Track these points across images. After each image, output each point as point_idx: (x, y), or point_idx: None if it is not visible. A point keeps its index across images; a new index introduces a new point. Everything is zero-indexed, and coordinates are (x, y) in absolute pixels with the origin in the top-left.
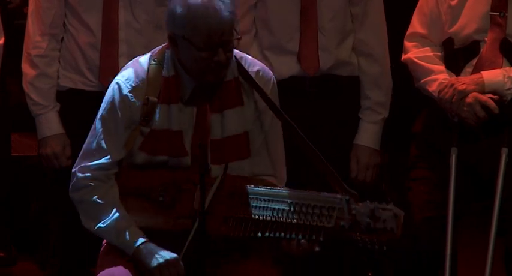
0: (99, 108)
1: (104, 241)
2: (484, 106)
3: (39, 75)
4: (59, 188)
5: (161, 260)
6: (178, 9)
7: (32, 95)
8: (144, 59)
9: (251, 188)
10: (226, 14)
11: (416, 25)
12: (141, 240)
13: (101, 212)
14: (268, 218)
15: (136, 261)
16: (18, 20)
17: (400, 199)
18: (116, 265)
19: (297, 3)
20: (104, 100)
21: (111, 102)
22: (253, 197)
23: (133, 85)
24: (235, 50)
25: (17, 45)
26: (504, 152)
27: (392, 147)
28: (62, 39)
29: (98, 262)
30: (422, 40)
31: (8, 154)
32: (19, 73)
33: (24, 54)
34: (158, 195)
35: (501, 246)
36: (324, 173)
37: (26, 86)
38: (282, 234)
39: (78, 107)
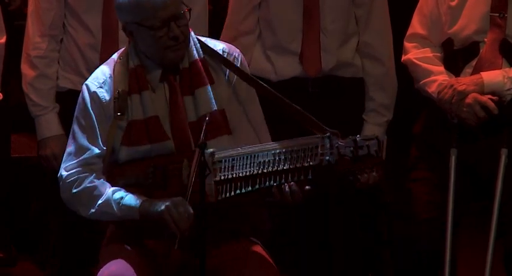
0: None
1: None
2: (484, 106)
3: (39, 76)
4: (58, 189)
5: (168, 203)
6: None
7: (31, 95)
8: (110, 60)
9: (235, 150)
10: None
11: (416, 26)
12: (142, 199)
13: (94, 193)
14: (255, 172)
15: (145, 218)
16: (18, 20)
17: (400, 200)
18: (115, 259)
19: (300, 4)
20: (77, 104)
21: (82, 102)
22: (238, 157)
23: (101, 81)
24: (198, 36)
25: (17, 46)
26: (503, 153)
27: (392, 149)
28: (62, 40)
29: (99, 257)
30: (422, 41)
31: (8, 154)
32: (19, 73)
33: (24, 55)
34: (147, 179)
35: (501, 247)
36: (302, 121)
37: (25, 87)
38: (272, 182)
39: None
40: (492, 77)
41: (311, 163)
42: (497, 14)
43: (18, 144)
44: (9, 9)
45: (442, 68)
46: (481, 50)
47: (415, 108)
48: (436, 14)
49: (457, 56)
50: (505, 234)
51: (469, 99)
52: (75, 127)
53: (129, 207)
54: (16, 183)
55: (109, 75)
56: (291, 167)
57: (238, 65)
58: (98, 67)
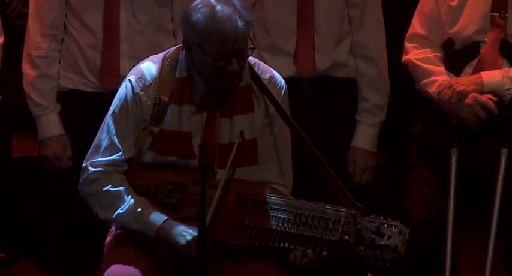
0: (99, 109)
1: (108, 239)
2: (484, 106)
3: (40, 76)
4: (59, 189)
5: (189, 238)
6: (193, 17)
7: (32, 95)
8: (157, 59)
9: (259, 196)
10: (240, 23)
11: (416, 26)
12: (163, 218)
13: (116, 199)
14: (274, 227)
15: (160, 241)
16: (18, 20)
17: (399, 200)
18: (122, 260)
19: (294, 5)
20: (115, 97)
21: (123, 100)
22: (259, 206)
23: (146, 84)
24: (249, 59)
25: (17, 46)
26: (504, 153)
27: (391, 149)
28: (63, 40)
29: (103, 257)
30: (423, 41)
31: (9, 154)
32: (20, 73)
33: (25, 55)
34: (165, 196)
35: (501, 247)
36: (331, 183)
37: (26, 87)
38: (287, 244)
39: (79, 107)
40: (492, 76)
41: (330, 238)
42: (498, 14)
43: (18, 144)
44: (8, 14)
45: (442, 68)
46: (481, 50)
47: (415, 108)
48: (437, 14)
49: (458, 56)
50: (505, 234)
51: (469, 100)
52: (111, 122)
53: (149, 223)
54: (16, 183)
55: (154, 79)
56: (310, 234)
57: (282, 96)
58: (99, 67)
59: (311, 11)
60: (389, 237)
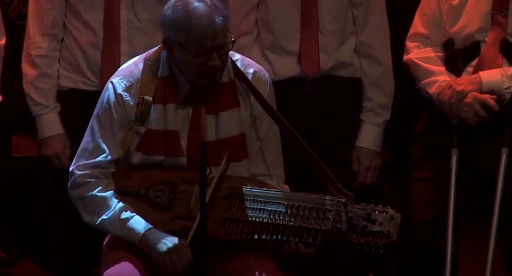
0: None
1: (106, 240)
2: (484, 105)
3: (40, 75)
4: (60, 189)
5: (170, 245)
6: (171, 15)
7: (32, 95)
8: (139, 60)
9: (248, 190)
10: (218, 18)
11: (418, 25)
12: (146, 227)
13: (101, 205)
14: (265, 220)
15: (143, 249)
16: (18, 20)
17: (401, 200)
18: (120, 260)
19: (298, 4)
20: (99, 99)
21: (106, 102)
22: (250, 199)
23: (128, 84)
24: (231, 55)
25: (17, 46)
26: (504, 152)
27: (393, 148)
28: (62, 39)
29: (101, 258)
30: (424, 40)
31: (9, 154)
32: (19, 73)
33: (25, 54)
34: (155, 196)
35: (502, 247)
36: (320, 174)
37: (26, 86)
38: (279, 236)
39: (79, 107)
40: (490, 75)
41: (322, 227)
42: (499, 13)
43: (19, 144)
44: (8, 13)
45: (443, 68)
46: (482, 50)
47: (417, 108)
48: (438, 14)
49: (458, 56)
50: (506, 235)
51: (468, 99)
52: (96, 125)
53: (132, 231)
54: (17, 184)
55: (136, 79)
56: (302, 225)
57: (267, 89)
58: (99, 66)
59: (315, 10)
60: (380, 223)
